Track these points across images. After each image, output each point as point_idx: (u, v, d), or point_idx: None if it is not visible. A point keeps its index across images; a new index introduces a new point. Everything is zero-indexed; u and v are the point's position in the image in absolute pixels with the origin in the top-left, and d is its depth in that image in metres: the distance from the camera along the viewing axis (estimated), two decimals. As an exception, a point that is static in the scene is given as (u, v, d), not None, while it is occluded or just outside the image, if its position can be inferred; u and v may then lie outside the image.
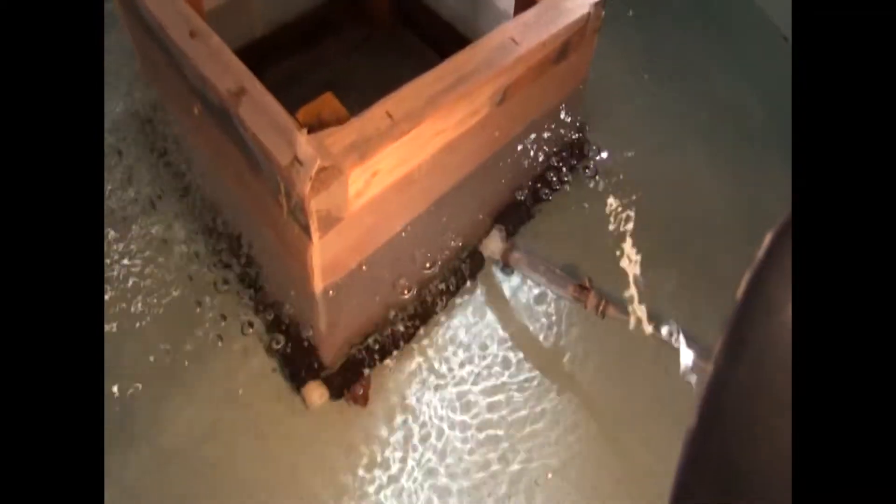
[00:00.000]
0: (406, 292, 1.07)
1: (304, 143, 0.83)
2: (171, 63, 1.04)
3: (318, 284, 0.94)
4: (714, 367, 0.53)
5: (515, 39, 1.00)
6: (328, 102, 0.91)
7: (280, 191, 0.87)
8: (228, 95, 0.90)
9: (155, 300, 1.08)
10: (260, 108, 0.89)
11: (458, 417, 1.00)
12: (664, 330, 0.99)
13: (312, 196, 0.82)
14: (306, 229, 0.86)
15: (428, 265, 1.09)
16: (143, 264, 1.10)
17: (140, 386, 1.01)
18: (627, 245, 1.10)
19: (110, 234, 1.13)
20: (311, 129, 0.85)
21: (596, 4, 1.06)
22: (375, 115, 0.89)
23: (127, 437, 0.97)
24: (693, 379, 0.98)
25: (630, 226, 1.14)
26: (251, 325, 1.05)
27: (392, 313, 1.06)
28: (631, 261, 1.08)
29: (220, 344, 1.04)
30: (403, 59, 1.40)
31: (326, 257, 0.91)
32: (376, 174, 0.89)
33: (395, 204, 0.97)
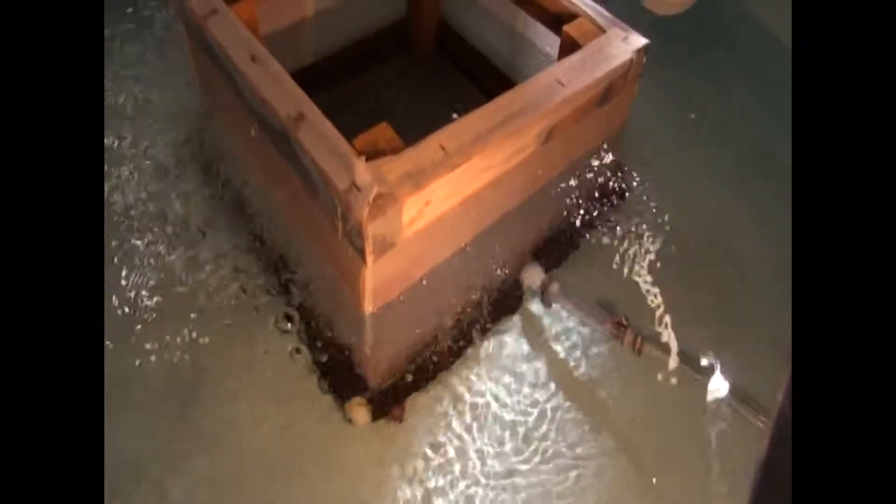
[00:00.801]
0: (448, 320, 1.10)
1: (363, 170, 0.87)
2: (231, 86, 1.09)
3: (368, 307, 0.98)
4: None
5: (562, 81, 1.04)
6: (384, 132, 0.95)
7: (336, 214, 0.90)
8: (288, 119, 0.95)
9: (205, 320, 1.11)
10: (318, 133, 0.93)
11: (490, 446, 1.01)
12: (700, 362, 1.02)
13: (370, 221, 0.85)
14: (361, 252, 0.89)
15: (470, 295, 1.12)
16: (193, 287, 1.14)
17: (191, 403, 1.04)
18: (660, 282, 1.14)
19: (166, 254, 1.17)
20: (368, 157, 0.90)
21: (638, 51, 1.10)
22: (430, 147, 0.93)
23: (182, 454, 1.00)
24: (726, 414, 1.00)
25: (662, 264, 1.18)
26: (298, 351, 1.07)
27: (433, 339, 1.08)
28: (663, 298, 1.11)
29: (266, 359, 1.07)
30: (444, 90, 1.45)
31: (378, 281, 0.95)
32: (429, 203, 0.92)
33: (443, 234, 1.00)
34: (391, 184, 0.88)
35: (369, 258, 0.90)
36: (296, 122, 0.95)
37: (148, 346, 1.07)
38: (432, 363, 1.06)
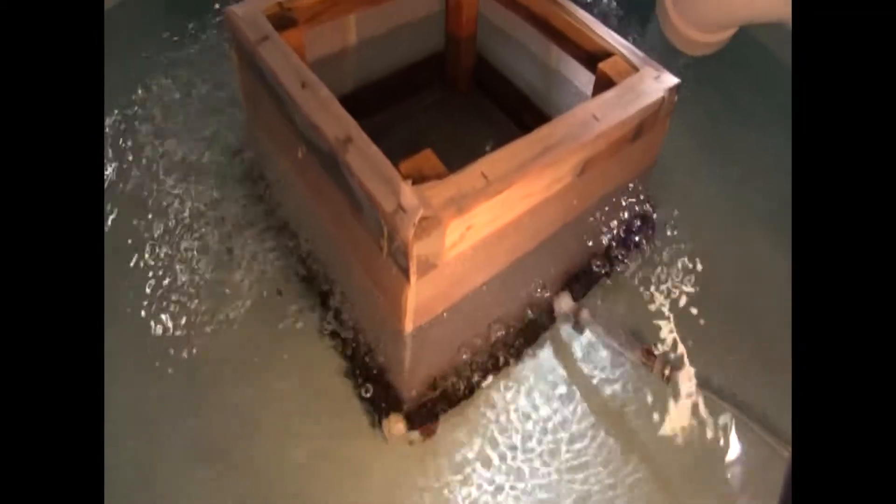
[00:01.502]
0: (482, 341, 1.13)
1: (409, 193, 0.91)
2: (280, 110, 1.14)
3: (409, 325, 1.01)
4: None
5: (597, 116, 1.08)
6: (428, 158, 0.99)
7: (382, 234, 0.94)
8: (337, 143, 1.00)
9: (242, 339, 1.15)
10: (365, 157, 0.98)
11: (521, 462, 1.04)
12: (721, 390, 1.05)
13: (415, 241, 0.89)
14: (405, 271, 0.93)
15: (504, 318, 1.16)
16: (244, 312, 1.19)
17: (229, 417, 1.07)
18: (687, 314, 1.17)
19: (205, 270, 1.22)
20: (414, 181, 0.94)
21: (670, 90, 1.14)
22: (472, 175, 0.97)
23: (225, 464, 1.03)
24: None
25: (688, 298, 1.21)
26: (337, 367, 1.11)
27: (467, 359, 1.12)
28: (689, 331, 1.15)
29: (303, 373, 1.11)
30: (479, 121, 1.50)
31: (419, 300, 0.98)
32: (470, 228, 0.96)
33: (482, 258, 1.04)
34: (435, 207, 0.92)
35: (413, 277, 0.93)
36: (344, 145, 0.99)
37: (185, 354, 1.12)
38: (466, 382, 1.09)
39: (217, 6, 1.72)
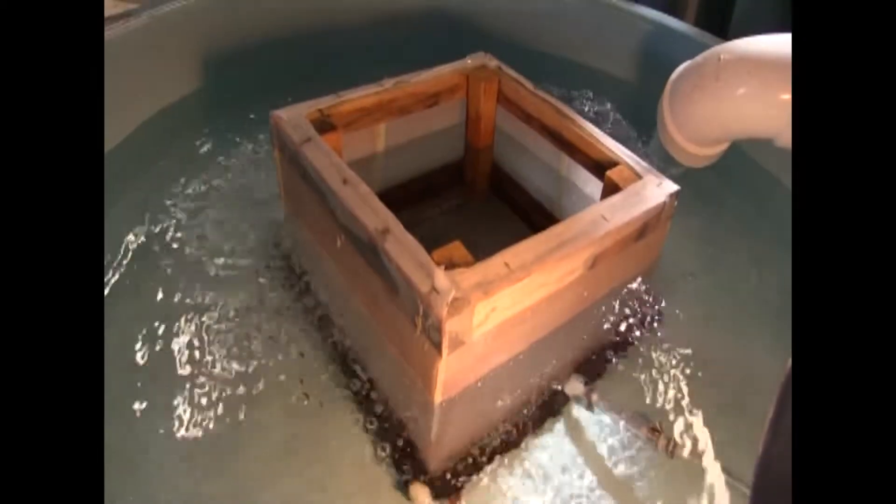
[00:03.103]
0: (502, 416, 1.22)
1: (442, 277, 1.03)
2: (321, 203, 1.27)
3: (438, 397, 1.11)
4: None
5: (605, 217, 1.21)
6: (457, 248, 1.11)
7: (418, 312, 1.05)
8: (376, 233, 1.12)
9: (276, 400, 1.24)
10: (402, 245, 1.10)
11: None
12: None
13: (448, 318, 1.00)
14: (437, 346, 1.04)
15: (522, 396, 1.25)
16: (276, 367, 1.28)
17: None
18: (688, 397, 1.27)
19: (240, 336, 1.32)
20: (446, 267, 1.05)
21: (670, 195, 1.27)
22: (496, 263, 1.09)
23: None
24: None
25: (690, 382, 1.32)
26: (367, 438, 1.20)
27: (490, 432, 1.20)
28: (690, 412, 1.24)
29: (333, 439, 1.20)
30: (495, 223, 1.64)
31: (448, 373, 1.08)
32: (494, 310, 1.07)
33: (504, 339, 1.15)
34: (465, 290, 1.03)
35: (445, 351, 1.04)
36: (383, 235, 1.11)
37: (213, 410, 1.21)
38: (488, 454, 1.17)
39: (252, 116, 1.89)
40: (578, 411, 1.26)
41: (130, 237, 1.53)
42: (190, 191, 1.66)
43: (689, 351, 1.37)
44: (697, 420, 1.24)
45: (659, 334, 1.40)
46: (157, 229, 1.56)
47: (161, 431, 1.19)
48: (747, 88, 1.33)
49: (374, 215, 1.15)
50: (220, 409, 1.23)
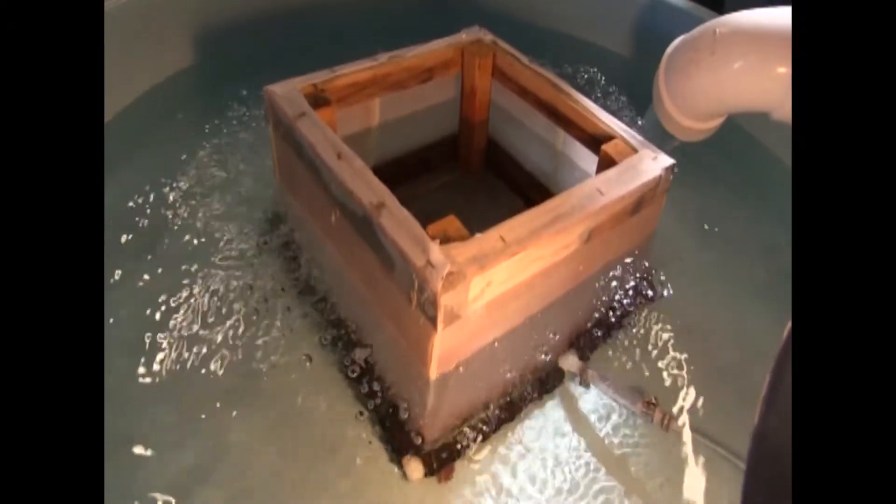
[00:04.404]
0: (497, 391, 1.23)
1: (437, 251, 1.03)
2: (315, 178, 1.26)
3: (434, 372, 1.11)
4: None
5: (601, 191, 1.20)
6: (452, 222, 1.10)
7: (413, 287, 1.05)
8: (371, 207, 1.11)
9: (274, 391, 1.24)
10: (397, 220, 1.09)
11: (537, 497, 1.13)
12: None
13: (443, 293, 1.00)
14: (433, 321, 1.03)
15: (517, 371, 1.25)
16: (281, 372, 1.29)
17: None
18: (684, 371, 1.28)
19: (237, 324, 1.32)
20: (440, 242, 1.05)
21: (666, 169, 1.27)
22: (491, 237, 1.08)
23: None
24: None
25: (685, 355, 1.33)
26: (361, 413, 1.21)
27: (483, 406, 1.21)
28: (686, 385, 1.25)
29: (328, 416, 1.21)
30: (490, 198, 1.64)
31: (444, 348, 1.08)
32: (490, 284, 1.07)
33: (499, 313, 1.14)
34: (460, 264, 1.03)
35: (440, 325, 1.04)
36: (378, 209, 1.11)
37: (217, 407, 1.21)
38: (481, 428, 1.18)
39: (244, 92, 1.88)
40: (574, 386, 1.26)
41: (124, 211, 1.53)
42: (182, 167, 1.65)
43: (684, 325, 1.37)
44: (692, 394, 1.25)
45: (654, 309, 1.40)
46: (148, 205, 1.56)
47: (159, 409, 1.20)
48: (743, 62, 1.33)
49: (369, 190, 1.15)
50: (215, 385, 1.23)
